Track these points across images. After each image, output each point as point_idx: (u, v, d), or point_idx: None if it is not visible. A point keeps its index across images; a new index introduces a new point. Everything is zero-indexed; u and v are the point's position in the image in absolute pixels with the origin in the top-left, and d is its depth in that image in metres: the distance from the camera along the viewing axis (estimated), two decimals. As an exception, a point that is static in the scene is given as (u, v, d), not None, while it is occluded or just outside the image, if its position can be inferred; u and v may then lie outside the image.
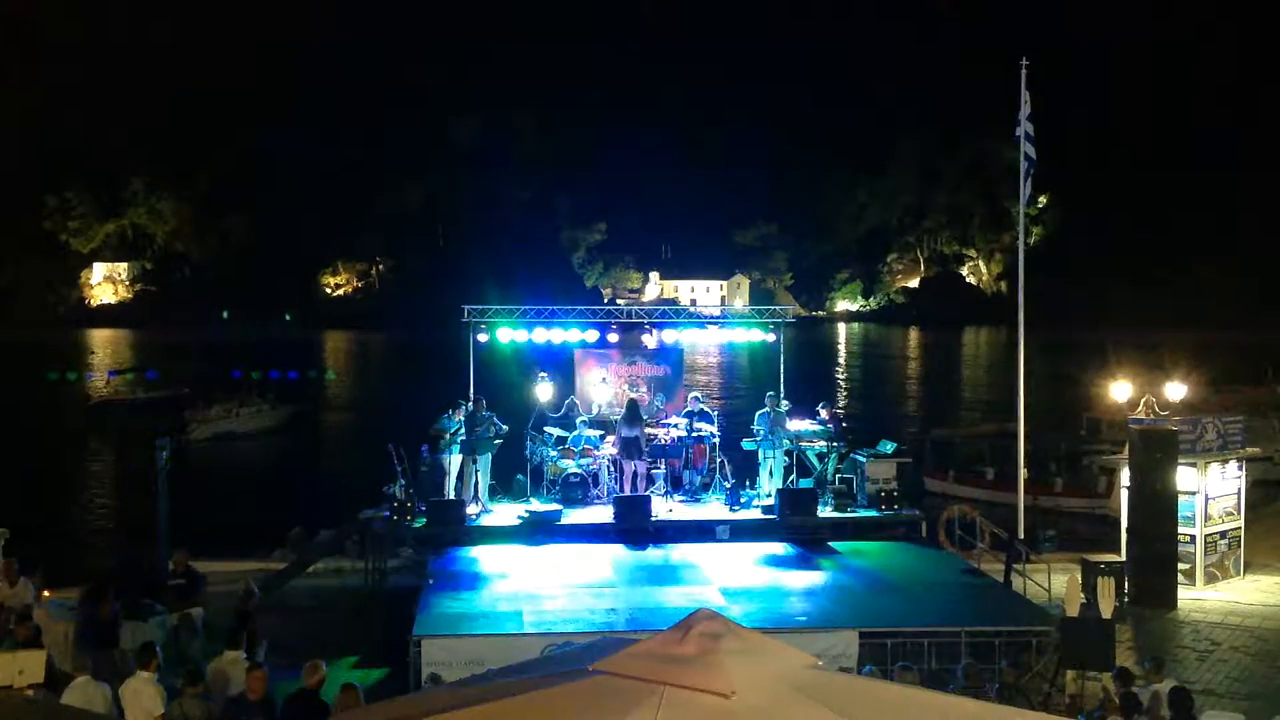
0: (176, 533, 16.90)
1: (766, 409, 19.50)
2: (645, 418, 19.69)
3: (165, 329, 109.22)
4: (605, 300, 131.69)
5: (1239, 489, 19.20)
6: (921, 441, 33.90)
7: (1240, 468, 19.21)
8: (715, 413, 21.34)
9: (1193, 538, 18.28)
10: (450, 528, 17.86)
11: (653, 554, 17.44)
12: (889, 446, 19.92)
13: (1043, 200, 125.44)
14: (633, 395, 20.35)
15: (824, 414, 20.25)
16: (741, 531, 18.42)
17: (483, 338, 19.92)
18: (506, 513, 18.84)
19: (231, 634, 11.23)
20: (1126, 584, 17.23)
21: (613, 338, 20.86)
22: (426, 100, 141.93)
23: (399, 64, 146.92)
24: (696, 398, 20.97)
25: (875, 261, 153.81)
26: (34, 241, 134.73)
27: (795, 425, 19.74)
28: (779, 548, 17.86)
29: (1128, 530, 18.36)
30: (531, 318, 20.24)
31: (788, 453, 19.53)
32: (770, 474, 19.40)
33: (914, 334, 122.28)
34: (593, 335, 20.67)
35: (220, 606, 15.30)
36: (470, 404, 18.98)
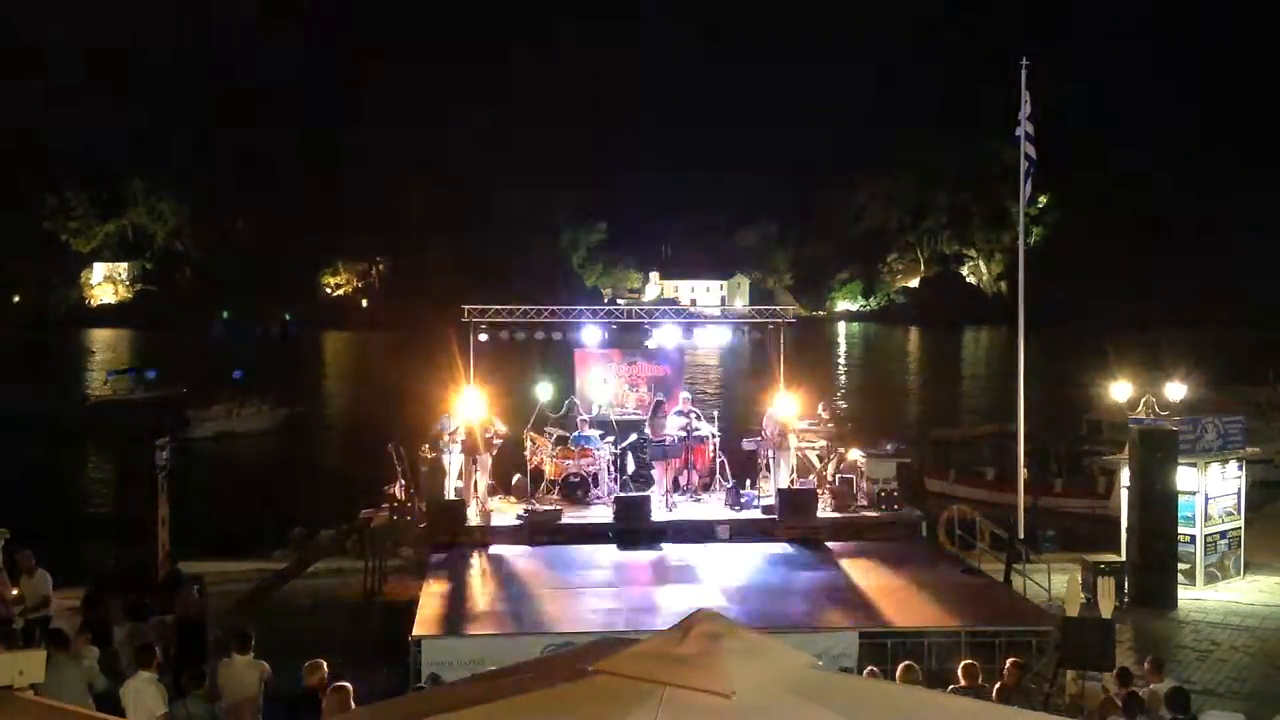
0: (176, 533, 16.89)
1: (773, 409, 19.47)
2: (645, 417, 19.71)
3: (165, 329, 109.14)
4: (605, 300, 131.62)
5: (1239, 489, 19.21)
6: (921, 441, 33.86)
7: (1240, 468, 19.22)
8: (714, 412, 21.36)
9: (1193, 538, 18.29)
10: (450, 528, 17.84)
11: (653, 554, 17.43)
12: (889, 446, 19.91)
13: (1043, 200, 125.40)
14: (637, 396, 20.40)
15: (824, 414, 20.25)
16: (741, 531, 18.41)
17: (483, 338, 19.91)
18: (506, 513, 18.83)
19: (240, 637, 11.21)
20: (1126, 584, 17.23)
21: (612, 338, 20.82)
22: (426, 100, 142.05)
23: (399, 64, 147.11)
24: (686, 397, 20.94)
25: (875, 261, 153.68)
26: (34, 241, 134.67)
27: (797, 425, 19.73)
28: (779, 548, 17.84)
29: (1128, 530, 18.37)
30: (531, 318, 20.23)
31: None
32: (771, 474, 19.38)
33: (914, 334, 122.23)
34: (593, 335, 20.68)
35: (217, 607, 15.30)
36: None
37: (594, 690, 4.18)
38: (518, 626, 13.86)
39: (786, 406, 19.50)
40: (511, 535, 18.04)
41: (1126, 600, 16.92)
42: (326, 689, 9.58)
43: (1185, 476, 18.10)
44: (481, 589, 15.56)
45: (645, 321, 21.90)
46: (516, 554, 17.26)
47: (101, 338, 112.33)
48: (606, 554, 17.34)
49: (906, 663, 10.65)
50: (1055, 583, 15.79)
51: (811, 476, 19.73)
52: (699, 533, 18.38)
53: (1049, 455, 29.82)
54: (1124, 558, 18.10)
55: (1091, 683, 12.30)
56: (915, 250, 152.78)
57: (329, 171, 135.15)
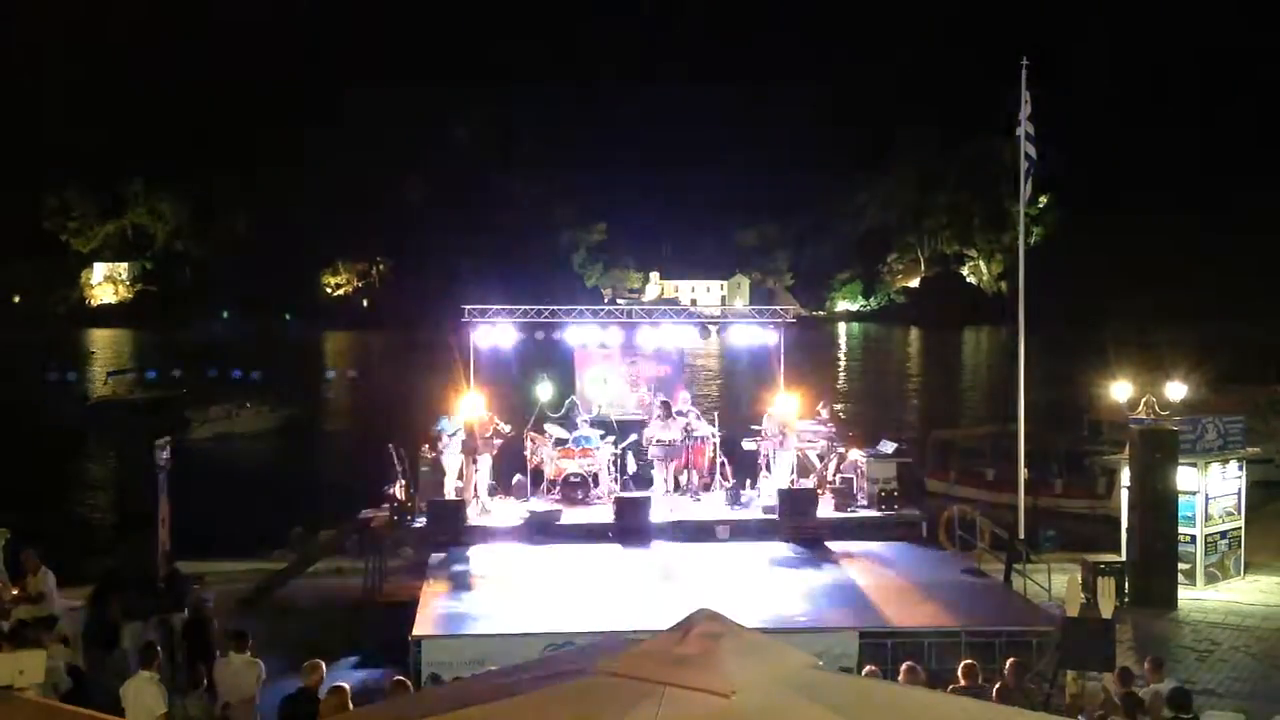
0: (176, 533, 16.89)
1: (774, 409, 19.47)
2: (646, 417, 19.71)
3: (165, 329, 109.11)
4: (605, 300, 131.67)
5: (1239, 489, 19.21)
6: (922, 441, 33.85)
7: (1240, 468, 19.21)
8: (714, 412, 21.34)
9: (1193, 538, 18.30)
10: (450, 528, 17.84)
11: (653, 554, 17.43)
12: (889, 446, 19.91)
13: (1043, 200, 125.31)
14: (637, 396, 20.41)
15: (824, 413, 20.25)
16: (741, 531, 18.40)
17: (484, 338, 19.89)
18: (506, 513, 18.84)
19: (237, 637, 11.21)
20: (1126, 584, 17.23)
21: (613, 338, 20.83)
22: (427, 100, 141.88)
23: (399, 63, 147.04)
24: (686, 397, 20.93)
25: (875, 261, 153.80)
26: (34, 241, 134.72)
27: (797, 425, 19.72)
28: (779, 548, 17.85)
29: (1128, 530, 18.37)
30: (531, 318, 20.22)
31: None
32: (772, 474, 19.38)
33: (914, 334, 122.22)
34: (593, 335, 20.67)
35: (218, 607, 15.28)
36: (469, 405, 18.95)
37: (594, 690, 4.18)
38: (518, 626, 13.85)
39: (787, 406, 19.48)
40: (511, 535, 18.04)
41: (1126, 600, 16.91)
42: (324, 689, 9.59)
43: (1185, 476, 18.10)
44: (481, 589, 15.54)
45: (645, 321, 21.89)
46: (516, 554, 17.25)
47: (101, 338, 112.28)
48: (606, 554, 17.33)
49: (909, 663, 10.65)
50: (1055, 583, 15.78)
51: (811, 476, 19.72)
52: (699, 533, 18.37)
53: (1049, 455, 29.80)
54: (1124, 558, 18.10)
55: (1091, 683, 12.29)
56: (915, 250, 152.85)
57: (329, 171, 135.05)
